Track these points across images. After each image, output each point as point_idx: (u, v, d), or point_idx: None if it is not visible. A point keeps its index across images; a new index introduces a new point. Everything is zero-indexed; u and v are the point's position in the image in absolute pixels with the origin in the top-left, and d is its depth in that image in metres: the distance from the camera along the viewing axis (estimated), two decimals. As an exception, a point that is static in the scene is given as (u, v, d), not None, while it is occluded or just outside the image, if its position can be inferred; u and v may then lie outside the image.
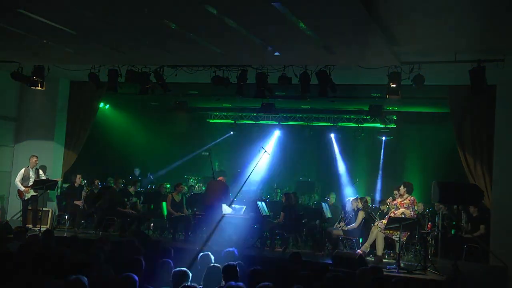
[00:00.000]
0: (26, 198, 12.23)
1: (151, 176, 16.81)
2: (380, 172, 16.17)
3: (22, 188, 12.18)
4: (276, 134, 17.51)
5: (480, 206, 11.27)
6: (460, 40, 8.82)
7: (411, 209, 10.06)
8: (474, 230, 11.45)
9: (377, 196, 15.19)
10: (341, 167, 16.70)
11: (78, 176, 12.99)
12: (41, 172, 12.58)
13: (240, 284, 5.22)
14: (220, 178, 12.42)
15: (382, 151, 16.22)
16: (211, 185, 12.29)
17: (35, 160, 12.47)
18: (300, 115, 17.09)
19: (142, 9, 7.64)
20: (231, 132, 18.10)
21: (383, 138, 16.12)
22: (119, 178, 13.20)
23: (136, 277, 5.24)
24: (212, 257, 7.02)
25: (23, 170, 12.42)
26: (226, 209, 11.87)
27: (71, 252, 6.98)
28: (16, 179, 12.36)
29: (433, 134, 15.38)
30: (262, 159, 14.36)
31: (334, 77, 10.01)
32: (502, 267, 9.56)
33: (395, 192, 10.86)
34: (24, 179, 12.28)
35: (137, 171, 16.94)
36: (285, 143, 17.49)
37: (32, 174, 12.34)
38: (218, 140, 18.09)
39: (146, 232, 12.38)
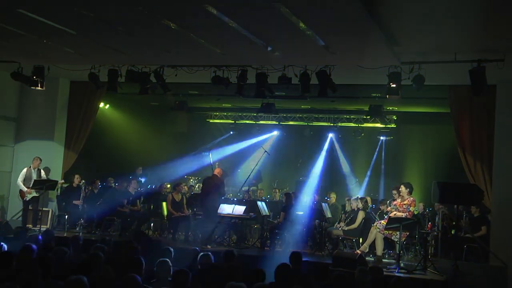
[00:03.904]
0: (27, 199, 12.24)
1: (140, 171, 16.76)
2: (380, 172, 16.18)
3: (25, 189, 12.17)
4: (275, 134, 17.56)
5: (482, 206, 11.28)
6: (460, 40, 8.82)
7: (407, 211, 10.02)
8: (475, 230, 11.45)
9: (378, 196, 15.19)
10: (342, 167, 16.72)
11: (77, 176, 12.99)
12: (42, 172, 12.59)
13: (242, 284, 5.22)
14: (216, 171, 11.98)
15: (383, 151, 16.22)
16: (205, 183, 11.90)
17: (38, 163, 12.51)
18: (300, 115, 17.08)
19: (142, 9, 7.65)
20: (231, 132, 18.10)
21: (382, 137, 16.10)
22: (123, 179, 13.22)
23: (139, 278, 5.25)
24: (212, 257, 7.04)
25: (25, 170, 12.43)
26: (226, 208, 11.86)
27: (71, 252, 6.99)
28: (18, 179, 12.36)
29: (433, 134, 15.39)
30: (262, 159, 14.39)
31: (334, 77, 10.00)
32: (502, 267, 9.56)
33: (394, 192, 10.86)
34: (26, 180, 12.29)
35: (139, 170, 16.92)
36: (285, 143, 17.50)
37: (34, 175, 12.34)
38: (218, 140, 18.09)
39: (146, 232, 12.38)
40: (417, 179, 13.66)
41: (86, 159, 14.46)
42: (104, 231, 12.23)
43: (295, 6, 7.15)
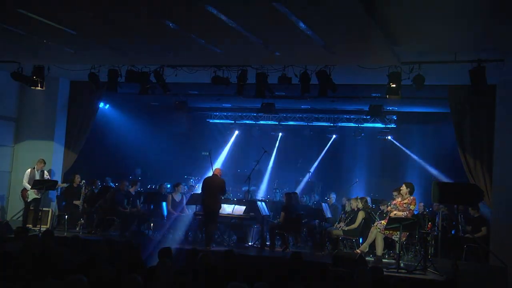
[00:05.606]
0: (29, 200, 12.24)
1: (139, 171, 16.79)
2: (380, 172, 16.18)
3: (31, 188, 12.19)
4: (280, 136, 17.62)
5: (479, 207, 11.27)
6: (460, 40, 8.82)
7: (407, 210, 10.02)
8: (476, 231, 11.43)
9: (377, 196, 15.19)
10: (342, 167, 16.74)
11: (77, 176, 12.98)
12: (46, 174, 12.60)
13: (242, 284, 5.23)
14: (216, 171, 11.79)
15: (383, 151, 16.23)
16: (205, 183, 11.71)
17: (43, 166, 12.55)
18: (300, 115, 17.10)
19: (142, 9, 7.65)
20: (237, 132, 18.10)
21: (386, 137, 16.10)
22: (123, 181, 13.20)
23: (139, 278, 5.25)
24: (212, 257, 7.04)
25: (28, 171, 12.47)
26: (226, 208, 11.86)
27: (71, 252, 6.99)
28: (24, 180, 12.39)
29: (433, 134, 15.39)
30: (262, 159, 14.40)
31: (334, 77, 10.01)
32: (502, 267, 9.56)
33: (395, 193, 10.84)
34: (29, 181, 12.29)
35: (138, 171, 16.94)
36: (285, 143, 17.50)
37: (37, 176, 12.35)
38: (229, 142, 18.11)
39: (146, 232, 12.38)
40: (417, 179, 13.65)
41: (86, 159, 14.46)
42: (104, 231, 12.22)
43: (295, 6, 7.15)
